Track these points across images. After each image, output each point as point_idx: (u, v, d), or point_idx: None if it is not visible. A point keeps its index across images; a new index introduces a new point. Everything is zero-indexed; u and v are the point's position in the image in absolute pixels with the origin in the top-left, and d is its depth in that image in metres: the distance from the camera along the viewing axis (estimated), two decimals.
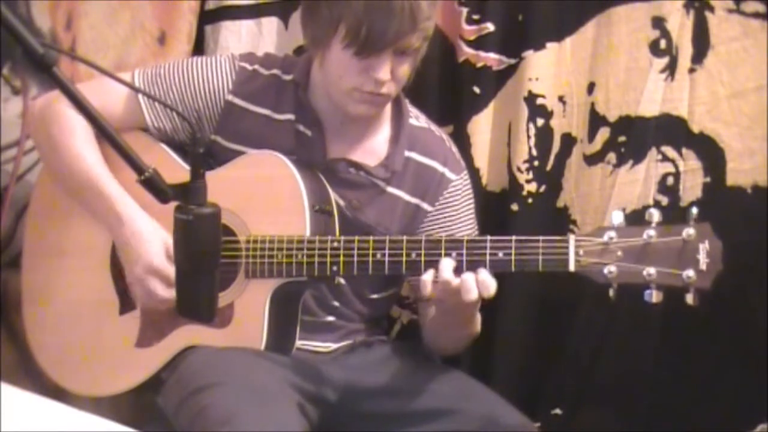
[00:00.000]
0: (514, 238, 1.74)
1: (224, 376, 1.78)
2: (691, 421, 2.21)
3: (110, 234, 1.96)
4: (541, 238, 1.74)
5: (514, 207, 2.30)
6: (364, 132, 1.99)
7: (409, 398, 1.91)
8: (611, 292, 1.71)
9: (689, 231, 1.66)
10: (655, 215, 1.69)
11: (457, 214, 2.02)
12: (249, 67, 1.99)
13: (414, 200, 1.99)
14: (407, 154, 1.99)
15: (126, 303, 1.99)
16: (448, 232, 1.99)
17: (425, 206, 2.00)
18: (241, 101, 1.97)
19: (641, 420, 2.24)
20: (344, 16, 1.80)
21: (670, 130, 2.19)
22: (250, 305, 1.88)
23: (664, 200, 2.19)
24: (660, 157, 2.20)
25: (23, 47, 1.24)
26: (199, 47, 2.45)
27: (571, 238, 1.73)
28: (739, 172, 2.15)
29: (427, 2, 1.82)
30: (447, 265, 1.75)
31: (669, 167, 2.19)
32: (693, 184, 2.18)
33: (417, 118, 2.05)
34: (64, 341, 2.04)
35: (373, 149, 1.99)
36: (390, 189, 1.98)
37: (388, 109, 2.01)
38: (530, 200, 2.29)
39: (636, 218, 1.80)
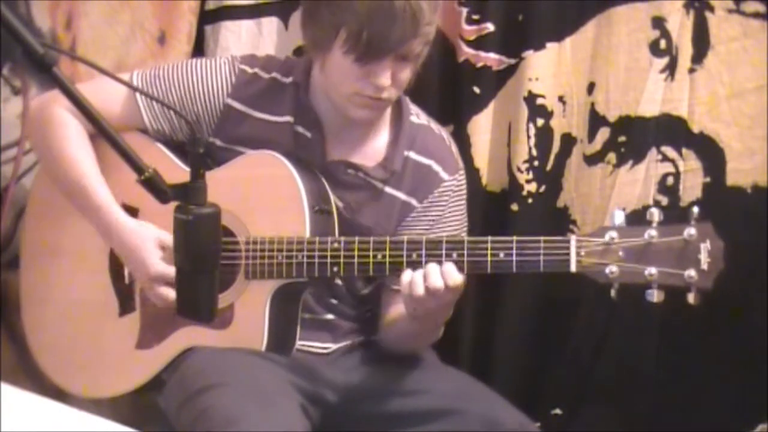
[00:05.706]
0: (515, 238, 1.74)
1: (226, 377, 1.78)
2: (691, 421, 2.21)
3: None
4: (542, 238, 1.73)
5: (514, 207, 2.29)
6: (364, 135, 1.98)
7: (409, 399, 1.91)
8: (613, 292, 1.71)
9: (690, 231, 1.66)
10: (656, 215, 1.69)
11: (442, 215, 1.99)
12: (249, 70, 1.98)
13: (407, 198, 1.98)
14: (406, 153, 1.98)
15: (125, 304, 1.98)
16: (431, 232, 1.96)
17: (413, 202, 1.98)
18: (240, 105, 1.96)
19: (641, 420, 2.24)
20: (346, 20, 1.78)
21: (670, 130, 2.19)
22: (251, 306, 1.87)
23: (664, 200, 2.19)
24: (660, 157, 2.20)
25: (23, 47, 1.24)
26: (199, 47, 2.45)
27: (573, 238, 1.72)
28: (739, 172, 2.15)
29: (428, 6, 1.80)
30: (434, 270, 1.74)
31: (669, 167, 2.19)
32: (693, 184, 2.18)
33: (417, 115, 2.03)
34: (64, 343, 2.04)
35: (372, 151, 1.98)
36: (387, 189, 1.97)
37: (389, 110, 1.99)
38: (530, 200, 2.29)
39: (636, 218, 1.80)
